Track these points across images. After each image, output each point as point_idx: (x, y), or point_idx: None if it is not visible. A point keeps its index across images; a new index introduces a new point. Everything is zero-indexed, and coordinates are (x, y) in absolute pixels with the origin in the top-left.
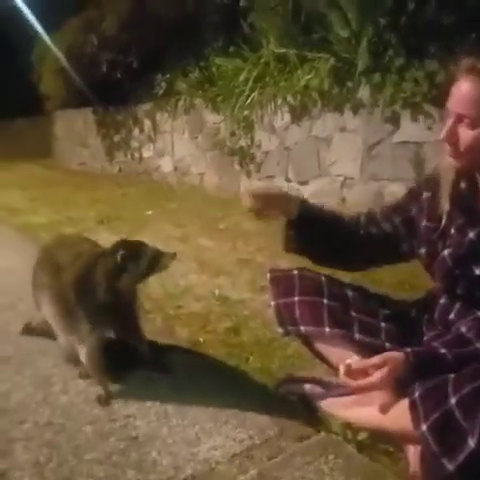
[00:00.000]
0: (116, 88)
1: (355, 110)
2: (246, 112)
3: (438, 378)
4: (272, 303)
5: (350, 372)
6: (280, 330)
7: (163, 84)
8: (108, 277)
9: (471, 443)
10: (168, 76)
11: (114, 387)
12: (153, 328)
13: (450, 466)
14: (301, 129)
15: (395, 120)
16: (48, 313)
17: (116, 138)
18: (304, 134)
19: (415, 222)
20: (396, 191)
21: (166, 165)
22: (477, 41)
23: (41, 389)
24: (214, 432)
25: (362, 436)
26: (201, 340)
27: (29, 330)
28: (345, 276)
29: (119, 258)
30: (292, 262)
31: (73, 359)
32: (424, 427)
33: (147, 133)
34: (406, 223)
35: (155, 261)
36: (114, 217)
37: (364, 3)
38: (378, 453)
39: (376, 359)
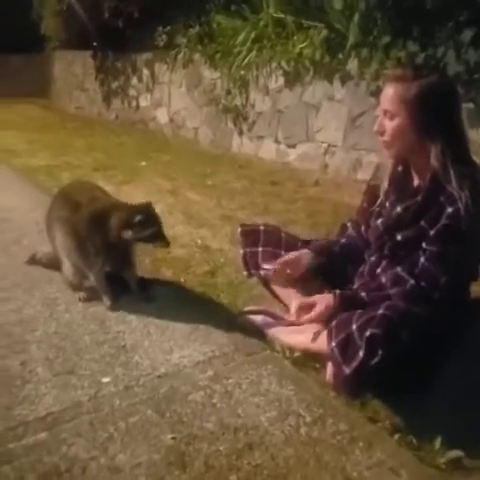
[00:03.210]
0: (117, 35)
1: (343, 81)
2: (242, 72)
3: (350, 312)
4: (241, 251)
5: (297, 310)
6: (245, 272)
7: (164, 36)
8: (119, 227)
9: (361, 354)
10: (169, 28)
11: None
12: (142, 268)
13: (347, 370)
14: (293, 94)
15: (379, 94)
16: (61, 244)
17: (114, 85)
18: (295, 99)
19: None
20: (373, 161)
21: (162, 116)
22: (454, 29)
23: (48, 308)
24: (184, 346)
25: (296, 354)
26: (182, 280)
27: (35, 261)
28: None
29: (136, 219)
30: (265, 221)
31: (74, 285)
32: (333, 344)
33: (145, 82)
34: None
35: (153, 238)
36: (109, 166)
37: None
38: (307, 367)
39: (312, 299)
